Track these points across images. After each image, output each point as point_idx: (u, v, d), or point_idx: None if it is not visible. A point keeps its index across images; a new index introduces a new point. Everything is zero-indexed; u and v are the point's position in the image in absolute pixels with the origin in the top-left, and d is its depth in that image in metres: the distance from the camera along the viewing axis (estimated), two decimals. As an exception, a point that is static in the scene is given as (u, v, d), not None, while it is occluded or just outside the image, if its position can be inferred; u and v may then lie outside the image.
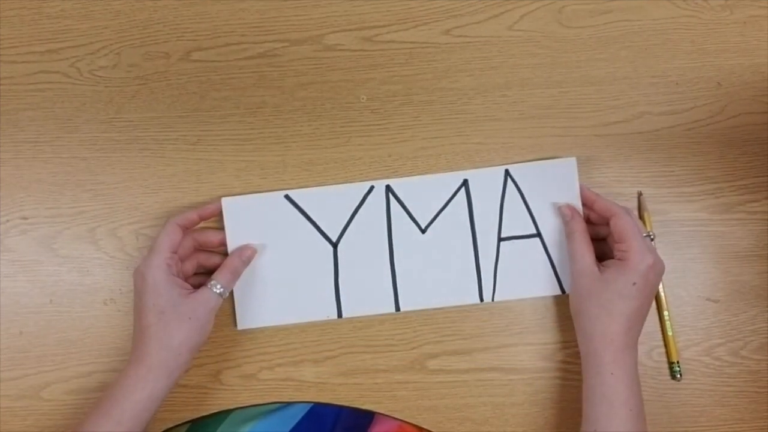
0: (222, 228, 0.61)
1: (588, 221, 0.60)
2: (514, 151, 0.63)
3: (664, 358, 0.61)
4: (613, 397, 0.53)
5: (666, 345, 0.61)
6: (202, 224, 0.61)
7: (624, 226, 0.55)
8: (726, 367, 0.61)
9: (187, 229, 0.59)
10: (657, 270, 0.55)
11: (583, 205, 0.60)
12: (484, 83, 0.63)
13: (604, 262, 0.57)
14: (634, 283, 0.54)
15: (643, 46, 0.64)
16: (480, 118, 0.63)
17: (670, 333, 0.61)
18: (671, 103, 0.63)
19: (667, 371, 0.61)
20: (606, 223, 0.58)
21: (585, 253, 0.57)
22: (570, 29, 0.64)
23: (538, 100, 0.63)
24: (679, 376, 0.61)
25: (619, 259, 0.55)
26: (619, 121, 0.63)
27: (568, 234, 0.59)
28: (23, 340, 0.62)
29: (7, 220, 0.63)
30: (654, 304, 0.61)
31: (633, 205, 0.62)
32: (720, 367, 0.61)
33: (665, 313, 0.61)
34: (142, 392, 0.53)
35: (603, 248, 0.59)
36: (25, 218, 0.63)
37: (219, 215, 0.61)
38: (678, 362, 0.61)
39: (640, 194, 0.62)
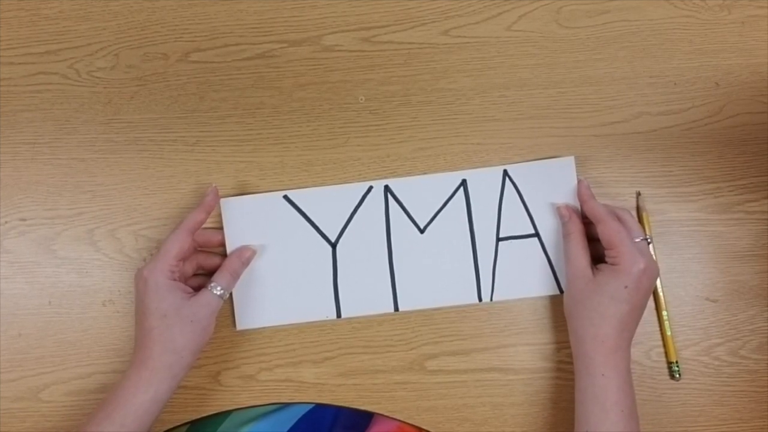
0: (222, 228, 0.61)
1: (585, 220, 0.60)
2: (513, 151, 0.63)
3: (663, 358, 0.61)
4: (604, 398, 0.53)
5: (665, 345, 0.61)
6: (200, 225, 0.61)
7: (610, 233, 0.56)
8: (725, 366, 0.61)
9: (196, 232, 0.59)
10: (650, 274, 0.55)
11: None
12: (482, 84, 0.64)
13: (598, 266, 0.57)
14: (626, 287, 0.54)
15: (642, 47, 0.64)
16: (478, 119, 0.63)
17: (668, 333, 0.61)
18: (669, 103, 0.63)
19: (665, 371, 0.61)
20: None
21: (580, 255, 0.57)
22: (568, 29, 0.64)
23: (536, 100, 0.63)
24: (678, 375, 0.61)
25: (611, 264, 0.56)
26: (618, 122, 0.63)
27: (564, 235, 0.59)
28: (22, 342, 0.62)
29: (6, 222, 0.63)
30: (653, 303, 0.61)
31: (632, 205, 0.62)
32: (719, 366, 0.61)
33: (664, 312, 0.61)
34: (145, 395, 0.53)
35: (600, 248, 0.59)
36: (23, 220, 0.63)
37: (219, 215, 0.61)
38: (677, 362, 0.61)
39: (638, 194, 0.62)
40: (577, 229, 0.58)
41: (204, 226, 0.61)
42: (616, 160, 0.63)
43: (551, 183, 0.61)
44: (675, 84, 0.63)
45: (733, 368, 0.61)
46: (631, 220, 0.58)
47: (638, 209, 0.62)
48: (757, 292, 0.62)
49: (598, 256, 0.58)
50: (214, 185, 0.61)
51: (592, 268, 0.57)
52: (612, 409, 0.53)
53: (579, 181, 0.60)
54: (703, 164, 0.63)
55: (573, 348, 0.57)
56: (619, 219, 0.57)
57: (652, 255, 0.58)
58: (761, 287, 0.62)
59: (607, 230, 0.56)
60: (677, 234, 0.62)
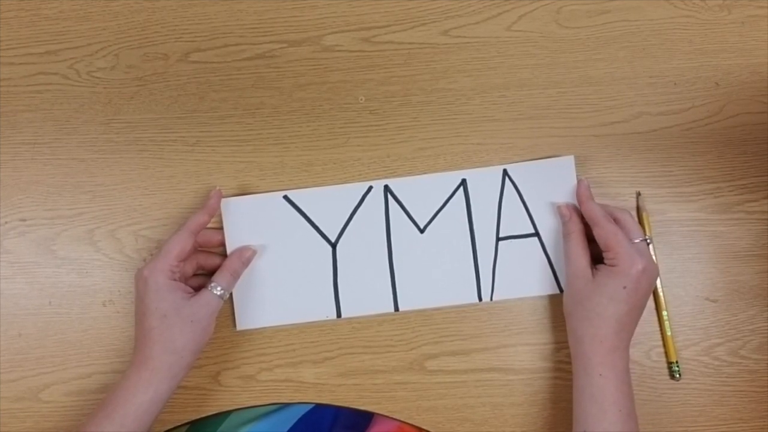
0: (222, 228, 0.61)
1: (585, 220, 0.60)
2: (513, 151, 0.63)
3: (663, 358, 0.61)
4: (602, 397, 0.53)
5: (665, 345, 0.61)
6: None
7: (607, 236, 0.55)
8: (725, 366, 0.61)
9: (198, 233, 0.59)
10: (648, 274, 0.55)
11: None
12: (482, 84, 0.64)
13: (598, 266, 0.57)
14: (625, 287, 0.54)
15: (641, 47, 0.64)
16: (478, 119, 0.63)
17: (668, 333, 0.61)
18: (669, 103, 0.63)
19: (666, 371, 0.61)
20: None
21: (579, 255, 0.57)
22: (568, 30, 0.64)
23: (536, 100, 0.63)
24: (678, 375, 0.61)
25: (609, 265, 0.55)
26: (618, 122, 0.63)
27: (564, 235, 0.59)
28: (22, 342, 0.62)
29: (6, 222, 0.63)
30: (653, 303, 0.61)
31: (631, 205, 0.62)
32: (719, 366, 0.61)
33: (664, 312, 0.61)
34: (144, 395, 0.53)
35: (599, 249, 0.59)
36: (23, 220, 0.63)
37: (219, 216, 0.61)
38: (677, 362, 0.61)
39: (638, 194, 0.62)
40: (577, 228, 0.58)
41: (204, 226, 0.61)
42: (616, 160, 0.63)
43: (551, 182, 0.61)
44: (675, 84, 0.63)
45: (733, 368, 0.61)
46: (630, 221, 0.58)
47: (638, 209, 0.62)
48: (757, 292, 0.62)
49: (598, 256, 0.58)
50: (218, 188, 0.61)
51: (591, 269, 0.57)
52: (610, 409, 0.53)
53: (579, 181, 0.60)
54: (703, 164, 0.63)
55: (571, 348, 0.57)
56: (617, 220, 0.57)
57: (651, 256, 0.58)
58: (761, 287, 0.62)
59: (604, 233, 0.56)
60: (677, 234, 0.62)
